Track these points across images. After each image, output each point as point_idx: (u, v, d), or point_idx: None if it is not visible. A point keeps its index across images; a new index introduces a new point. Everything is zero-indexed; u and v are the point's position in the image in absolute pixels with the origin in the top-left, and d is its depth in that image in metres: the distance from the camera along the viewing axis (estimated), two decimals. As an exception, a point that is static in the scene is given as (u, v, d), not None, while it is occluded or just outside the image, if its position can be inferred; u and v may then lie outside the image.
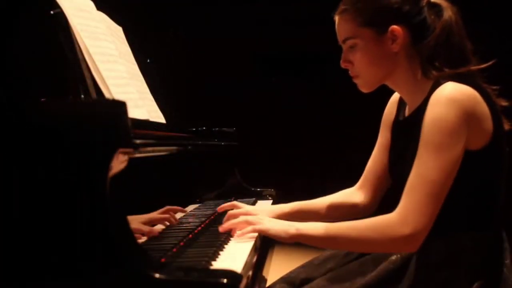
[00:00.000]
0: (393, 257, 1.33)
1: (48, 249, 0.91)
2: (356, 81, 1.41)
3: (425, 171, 1.19)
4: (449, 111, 1.19)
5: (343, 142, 4.65)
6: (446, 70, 1.27)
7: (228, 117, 3.39)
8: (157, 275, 0.89)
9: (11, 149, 0.92)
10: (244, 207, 1.54)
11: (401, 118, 1.47)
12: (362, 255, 1.41)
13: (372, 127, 1.73)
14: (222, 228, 1.35)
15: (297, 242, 1.32)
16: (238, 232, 1.33)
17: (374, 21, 1.32)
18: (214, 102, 4.67)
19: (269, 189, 2.17)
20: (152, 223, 1.44)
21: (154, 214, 1.50)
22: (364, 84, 1.40)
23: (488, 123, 1.24)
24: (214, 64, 4.80)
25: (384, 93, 1.53)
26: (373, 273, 1.34)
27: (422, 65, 1.31)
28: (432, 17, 1.31)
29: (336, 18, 1.39)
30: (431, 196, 1.18)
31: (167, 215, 1.51)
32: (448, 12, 1.31)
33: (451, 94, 1.20)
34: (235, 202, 1.61)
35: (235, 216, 1.39)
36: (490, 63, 1.31)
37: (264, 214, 1.47)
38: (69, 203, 0.91)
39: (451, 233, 1.25)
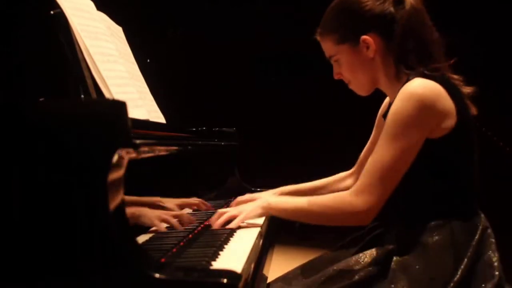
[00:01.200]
0: (380, 251, 1.36)
1: (48, 249, 0.91)
2: (350, 87, 1.54)
3: (379, 158, 1.31)
4: (407, 104, 1.28)
5: (344, 142, 4.64)
6: (415, 67, 1.36)
7: (228, 117, 3.39)
8: (157, 275, 0.89)
9: (11, 149, 0.92)
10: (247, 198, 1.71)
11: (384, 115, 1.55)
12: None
13: (373, 127, 1.74)
14: (216, 225, 1.45)
15: (297, 242, 1.35)
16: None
17: (347, 36, 1.44)
18: (214, 102, 4.67)
19: (269, 189, 2.16)
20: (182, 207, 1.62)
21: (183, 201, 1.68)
22: (358, 90, 1.53)
23: (450, 117, 1.31)
24: (214, 63, 4.80)
25: (384, 93, 1.56)
26: (361, 273, 1.36)
27: (395, 64, 1.40)
28: (400, 12, 1.39)
29: (318, 39, 1.53)
30: (382, 179, 1.30)
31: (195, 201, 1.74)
32: (410, 1, 1.39)
33: (413, 88, 1.29)
34: (253, 195, 1.74)
35: (240, 203, 1.57)
36: (454, 59, 1.40)
37: (266, 196, 1.69)
38: (69, 203, 0.91)
39: (426, 222, 1.32)
